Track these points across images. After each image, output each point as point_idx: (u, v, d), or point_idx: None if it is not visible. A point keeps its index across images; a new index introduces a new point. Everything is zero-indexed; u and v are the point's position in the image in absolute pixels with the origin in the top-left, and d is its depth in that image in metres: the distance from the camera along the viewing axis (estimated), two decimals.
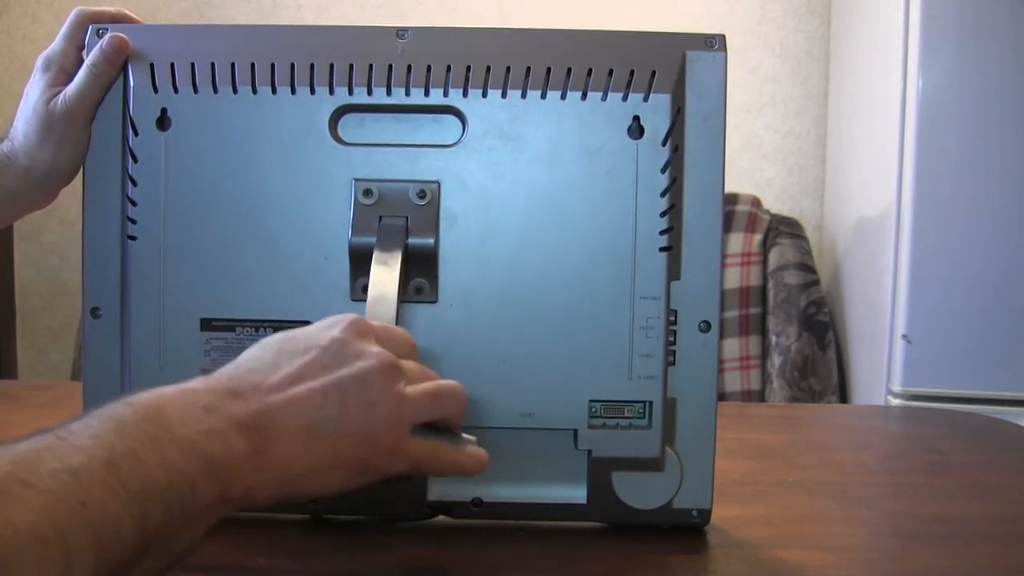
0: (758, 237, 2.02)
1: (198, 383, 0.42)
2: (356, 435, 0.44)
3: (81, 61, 0.62)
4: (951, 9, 1.59)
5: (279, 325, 0.61)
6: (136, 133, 0.61)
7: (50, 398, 1.06)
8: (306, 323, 0.61)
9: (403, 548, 0.60)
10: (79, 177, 0.64)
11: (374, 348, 0.46)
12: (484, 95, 0.61)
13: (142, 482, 0.36)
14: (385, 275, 0.57)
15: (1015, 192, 1.61)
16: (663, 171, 0.61)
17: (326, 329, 0.46)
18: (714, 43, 0.62)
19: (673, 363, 0.62)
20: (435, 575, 0.57)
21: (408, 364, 0.48)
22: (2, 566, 0.30)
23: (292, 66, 0.61)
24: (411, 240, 0.60)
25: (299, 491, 0.44)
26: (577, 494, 0.62)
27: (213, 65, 0.61)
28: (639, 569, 0.58)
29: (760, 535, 0.64)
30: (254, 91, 0.61)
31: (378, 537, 0.62)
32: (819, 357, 1.90)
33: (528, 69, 0.61)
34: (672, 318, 0.62)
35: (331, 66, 0.61)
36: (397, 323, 0.56)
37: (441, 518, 0.63)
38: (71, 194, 0.67)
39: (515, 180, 0.61)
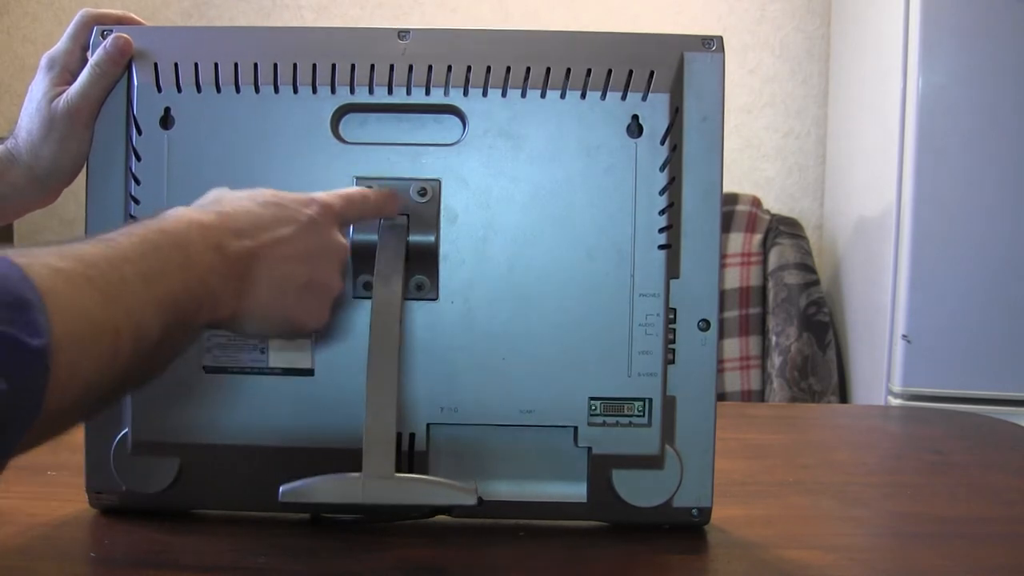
0: (758, 237, 2.02)
1: (215, 218, 0.50)
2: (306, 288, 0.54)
3: (85, 61, 0.62)
4: (951, 9, 1.59)
5: None
6: (140, 132, 0.61)
7: None
8: None
9: (403, 548, 0.60)
10: (80, 177, 0.64)
11: (336, 236, 0.55)
12: (484, 95, 0.61)
13: (168, 298, 0.45)
14: (387, 273, 0.57)
15: (1015, 192, 1.61)
16: (662, 169, 0.61)
17: (306, 206, 0.54)
18: (712, 44, 0.62)
19: (672, 361, 0.62)
20: (435, 575, 0.57)
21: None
22: (76, 341, 0.39)
23: (295, 66, 0.61)
24: (412, 237, 0.60)
25: (263, 326, 0.53)
26: (577, 491, 0.63)
27: (216, 65, 0.61)
28: (639, 569, 0.58)
29: (760, 535, 0.64)
30: (257, 90, 0.61)
31: (378, 537, 0.62)
32: (819, 357, 1.90)
33: (528, 69, 0.61)
34: (671, 316, 0.62)
35: (333, 66, 0.61)
36: (399, 321, 0.56)
37: (441, 518, 0.63)
38: (71, 194, 0.67)
39: (515, 178, 0.61)
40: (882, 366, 1.71)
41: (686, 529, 0.63)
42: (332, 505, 0.62)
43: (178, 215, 0.49)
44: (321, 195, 0.55)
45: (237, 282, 0.50)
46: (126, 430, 0.62)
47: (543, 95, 0.61)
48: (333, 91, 0.61)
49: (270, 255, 0.51)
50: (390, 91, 0.61)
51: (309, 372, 0.62)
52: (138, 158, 0.61)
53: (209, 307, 0.48)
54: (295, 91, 0.61)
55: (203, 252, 0.48)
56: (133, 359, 0.43)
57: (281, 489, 0.54)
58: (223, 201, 0.52)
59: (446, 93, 0.61)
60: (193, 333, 0.49)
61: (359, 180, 0.61)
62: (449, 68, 0.61)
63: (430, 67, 0.61)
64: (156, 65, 0.61)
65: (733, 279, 1.98)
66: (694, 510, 0.63)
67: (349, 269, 0.61)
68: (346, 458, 0.56)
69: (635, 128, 0.61)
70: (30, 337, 0.37)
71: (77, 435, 0.64)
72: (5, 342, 0.36)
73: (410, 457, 0.62)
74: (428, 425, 0.62)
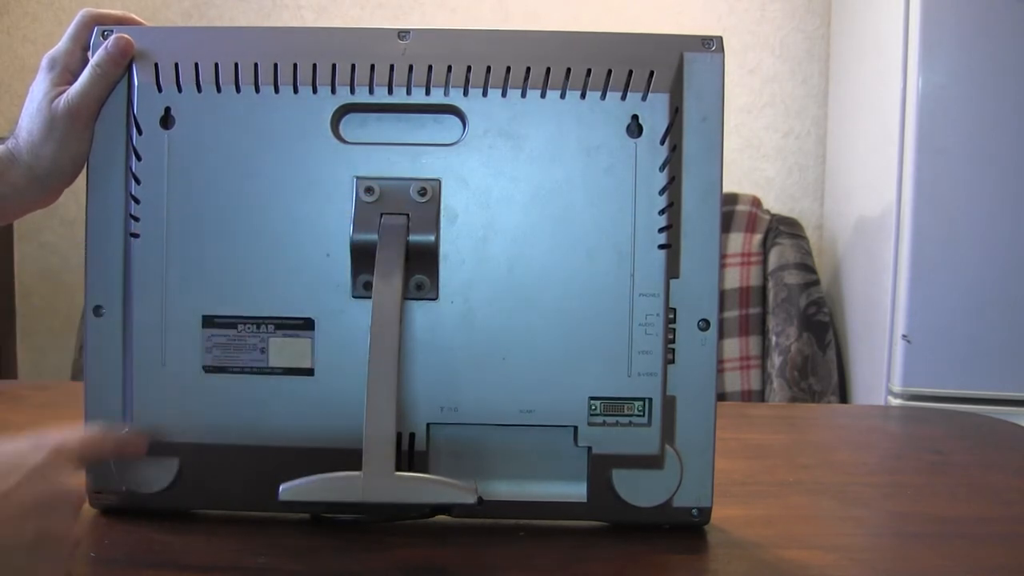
0: (758, 237, 2.02)
1: None
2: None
3: (86, 61, 0.62)
4: (951, 9, 1.59)
5: (281, 322, 0.62)
6: (140, 132, 0.61)
7: (50, 398, 1.06)
8: (307, 320, 0.61)
9: (403, 548, 0.60)
10: (80, 177, 0.64)
11: (63, 478, 0.48)
12: (484, 95, 0.61)
13: None
14: (387, 272, 0.57)
15: (1015, 192, 1.61)
16: (661, 169, 0.61)
17: (33, 451, 0.47)
18: (711, 44, 0.62)
19: (672, 361, 0.62)
20: (435, 575, 0.57)
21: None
22: None
23: (295, 66, 0.61)
24: (412, 237, 0.60)
25: None
26: (577, 491, 0.63)
27: (216, 65, 0.61)
28: (639, 569, 0.58)
29: (760, 535, 0.64)
30: (257, 90, 0.61)
31: (378, 537, 0.62)
32: (819, 357, 1.90)
33: (528, 69, 0.61)
34: (671, 316, 0.62)
35: (333, 66, 0.61)
36: (399, 321, 0.56)
37: (441, 518, 0.63)
38: (72, 194, 0.67)
39: (515, 178, 0.61)
40: (882, 366, 1.71)
41: (686, 529, 0.63)
42: (332, 505, 0.62)
43: None
44: (53, 434, 0.49)
45: None
46: (126, 430, 0.62)
47: (543, 95, 0.61)
48: (333, 91, 0.61)
49: None
50: (390, 91, 0.61)
51: (309, 372, 0.62)
52: (138, 158, 0.62)
53: None
54: (295, 91, 0.61)
55: None
56: None
57: (281, 488, 0.54)
58: None
59: (446, 93, 0.61)
60: None
61: (359, 180, 0.61)
62: (449, 68, 0.61)
63: (430, 67, 0.61)
64: (156, 65, 0.62)
65: (733, 279, 1.98)
66: (694, 510, 0.63)
67: (348, 267, 0.61)
68: (346, 458, 0.56)
69: (635, 128, 0.61)
70: None
71: None
72: None
73: (410, 457, 0.62)
74: (428, 425, 0.62)
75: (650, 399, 0.62)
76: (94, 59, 0.62)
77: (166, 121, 0.62)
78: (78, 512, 0.49)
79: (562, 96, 0.61)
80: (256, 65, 0.61)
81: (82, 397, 0.63)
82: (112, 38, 0.62)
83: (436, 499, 0.56)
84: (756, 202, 2.05)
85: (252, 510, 0.64)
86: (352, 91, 0.61)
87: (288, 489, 0.54)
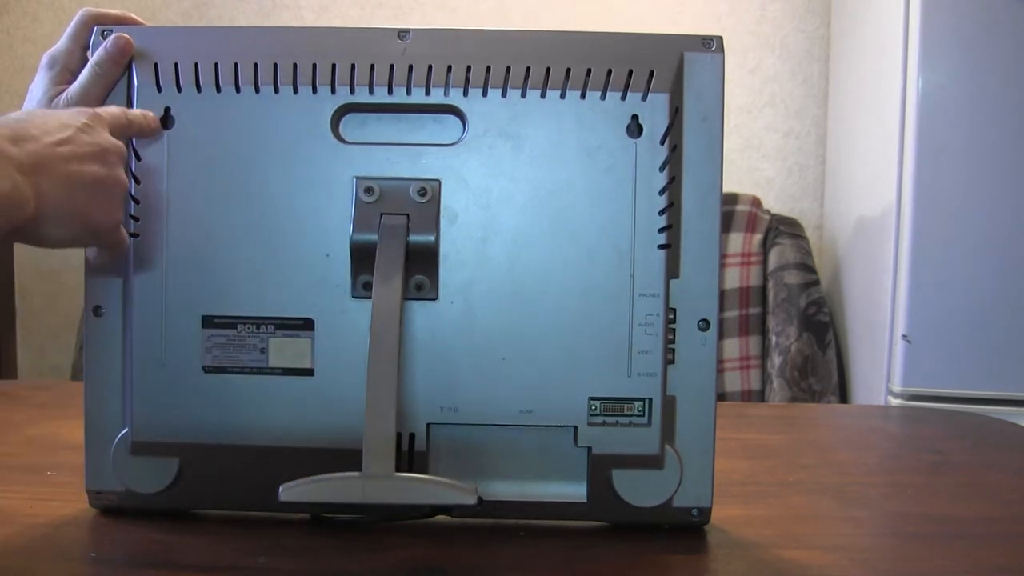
0: (758, 237, 2.02)
1: None
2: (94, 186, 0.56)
3: (85, 61, 0.62)
4: (951, 9, 1.59)
5: (280, 322, 0.62)
6: None
7: (50, 398, 1.06)
8: (307, 321, 0.61)
9: (403, 548, 0.60)
10: None
11: (106, 135, 0.58)
12: (484, 95, 0.61)
13: None
14: (387, 272, 0.57)
15: (1015, 192, 1.61)
16: (661, 169, 0.61)
17: (77, 115, 0.57)
18: (712, 44, 0.62)
19: (672, 361, 0.62)
20: (435, 575, 0.57)
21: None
22: None
23: (294, 66, 0.61)
24: (412, 237, 0.60)
25: (62, 229, 0.55)
26: (577, 491, 0.63)
27: (216, 65, 0.61)
28: (639, 569, 0.58)
29: (760, 535, 0.64)
30: (257, 91, 0.61)
31: (378, 537, 0.62)
32: (819, 357, 1.90)
33: (528, 69, 0.61)
34: (671, 316, 0.62)
35: (333, 66, 0.61)
36: (399, 321, 0.56)
37: (441, 518, 0.63)
38: None
39: (515, 178, 0.61)
40: (882, 366, 1.71)
41: (686, 529, 0.63)
42: (332, 505, 0.62)
43: None
44: (88, 108, 0.58)
45: (30, 184, 0.51)
46: (126, 430, 0.62)
47: (543, 95, 0.61)
48: (333, 91, 0.61)
49: (55, 155, 0.53)
50: (390, 91, 0.61)
51: (309, 372, 0.62)
52: (138, 158, 0.62)
53: (5, 211, 0.50)
54: (295, 91, 0.61)
55: None
56: None
57: (281, 489, 0.54)
58: (10, 116, 0.54)
59: (446, 93, 0.61)
60: None
61: (359, 180, 0.61)
62: (449, 68, 0.61)
63: (430, 67, 0.61)
64: (156, 65, 0.62)
65: (733, 279, 1.98)
66: (694, 510, 0.63)
67: (348, 268, 0.61)
68: (346, 458, 0.56)
69: (635, 128, 0.61)
70: None
71: (77, 435, 0.64)
72: None
73: (410, 457, 0.62)
74: (428, 425, 0.62)
75: (650, 399, 0.62)
76: (93, 58, 0.61)
77: (166, 121, 0.62)
78: (123, 163, 0.58)
79: (562, 96, 0.61)
80: (256, 65, 0.61)
81: (82, 397, 0.63)
82: (111, 37, 0.61)
83: (436, 500, 0.56)
84: (756, 202, 2.05)
85: (252, 510, 0.64)
86: (352, 91, 0.61)
87: (288, 490, 0.54)
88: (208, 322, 0.62)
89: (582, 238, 0.61)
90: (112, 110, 0.59)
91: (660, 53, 0.62)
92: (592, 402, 0.62)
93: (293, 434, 0.62)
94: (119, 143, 0.58)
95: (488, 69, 0.61)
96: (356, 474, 0.53)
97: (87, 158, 0.55)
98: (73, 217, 0.54)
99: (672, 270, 0.62)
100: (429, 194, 0.61)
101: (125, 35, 0.62)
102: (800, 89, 2.21)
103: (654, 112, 0.61)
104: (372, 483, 0.53)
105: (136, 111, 0.61)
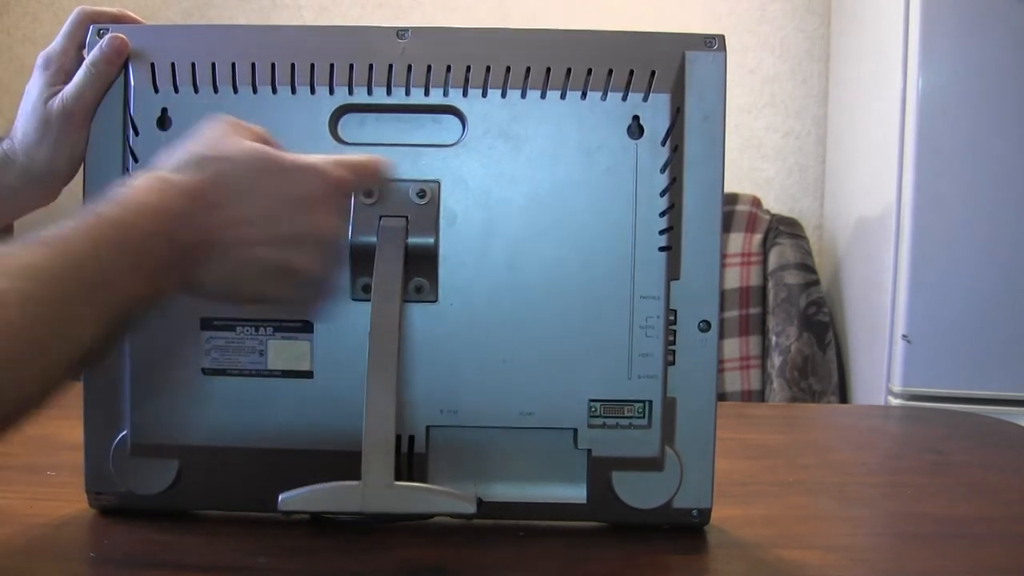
0: (758, 237, 2.02)
1: (177, 197, 0.48)
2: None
3: (81, 60, 0.62)
4: (951, 9, 1.59)
5: (279, 324, 0.61)
6: (137, 133, 0.61)
7: None
8: (306, 323, 0.61)
9: (403, 548, 0.60)
10: (79, 177, 0.64)
11: (331, 216, 0.54)
12: (484, 95, 0.61)
13: (110, 309, 0.44)
14: (386, 274, 0.57)
15: (1015, 192, 1.61)
16: (662, 171, 0.61)
17: (306, 181, 0.52)
18: (713, 43, 0.62)
19: (673, 363, 0.62)
20: (435, 575, 0.57)
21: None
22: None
23: (292, 66, 0.61)
24: (411, 239, 0.60)
25: (216, 293, 0.52)
26: (577, 493, 0.62)
27: (214, 65, 0.61)
28: (639, 569, 0.58)
29: (760, 535, 0.64)
30: (254, 91, 0.61)
31: (378, 537, 0.62)
32: (819, 357, 1.90)
33: (528, 69, 0.61)
34: (672, 317, 0.62)
35: (331, 66, 0.61)
36: (398, 324, 0.56)
37: (441, 518, 0.63)
38: (71, 195, 0.67)
39: (515, 179, 0.61)
40: (882, 366, 1.71)
41: (686, 529, 0.63)
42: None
43: (136, 199, 0.47)
44: (329, 167, 0.53)
45: (187, 268, 0.49)
46: (125, 432, 0.62)
47: (543, 95, 0.61)
48: (331, 91, 0.61)
49: (233, 238, 0.49)
50: (389, 91, 0.61)
51: (308, 374, 0.62)
52: (135, 159, 0.61)
53: (151, 302, 0.48)
54: (293, 91, 0.61)
55: (155, 244, 0.47)
56: (58, 370, 0.42)
57: (280, 498, 0.53)
58: (206, 162, 0.50)
59: (445, 93, 0.61)
60: (131, 326, 0.48)
61: None
62: (448, 68, 0.61)
63: (429, 67, 0.61)
64: (153, 65, 0.61)
65: (733, 279, 1.98)
66: (694, 511, 0.63)
67: (347, 268, 0.61)
68: (345, 460, 0.56)
69: (636, 129, 0.61)
70: None
71: (77, 435, 0.64)
72: None
73: (409, 459, 0.62)
74: (428, 427, 0.62)
75: (650, 401, 0.61)
76: (89, 58, 0.61)
77: (163, 122, 0.61)
78: (324, 248, 0.53)
79: (562, 96, 0.61)
80: (253, 65, 0.61)
81: (82, 397, 0.63)
82: (107, 37, 0.61)
83: (435, 509, 0.56)
84: (756, 202, 2.05)
85: (251, 511, 0.64)
86: (351, 91, 0.61)
87: (287, 498, 0.54)
88: (207, 324, 0.62)
89: (582, 240, 0.61)
90: (355, 163, 0.55)
91: (661, 52, 0.61)
92: (592, 404, 0.61)
93: (292, 436, 0.62)
94: (334, 224, 0.54)
95: (488, 69, 0.61)
96: (355, 483, 0.53)
97: (279, 243, 0.51)
98: (227, 293, 0.52)
99: (673, 272, 0.61)
100: (428, 195, 0.61)
101: (120, 35, 0.61)
102: (800, 89, 2.20)
103: (655, 112, 0.61)
104: (371, 492, 0.53)
105: (359, 160, 0.56)
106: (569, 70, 0.61)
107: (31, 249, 0.42)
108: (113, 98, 0.62)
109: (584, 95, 0.61)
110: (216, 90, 0.61)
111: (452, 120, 0.61)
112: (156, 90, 0.61)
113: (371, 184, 0.59)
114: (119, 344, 0.48)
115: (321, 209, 0.53)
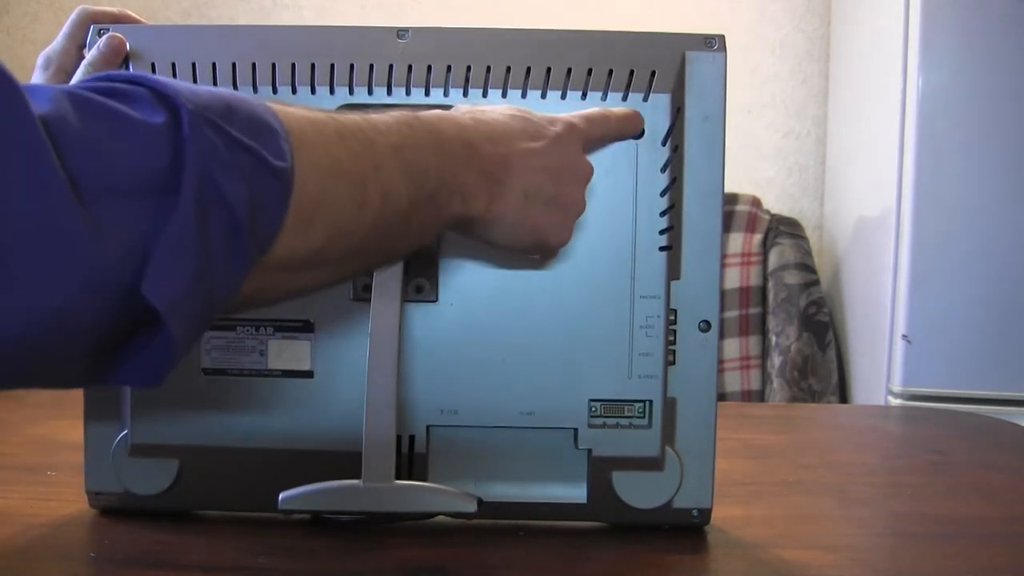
0: (758, 237, 2.02)
1: (469, 120, 0.51)
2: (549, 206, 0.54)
3: (81, 60, 0.62)
4: (951, 9, 1.59)
5: (279, 324, 0.61)
6: None
7: (50, 398, 1.06)
8: (306, 323, 0.61)
9: (403, 548, 0.60)
10: None
11: (582, 156, 0.56)
12: (484, 95, 0.61)
13: (419, 172, 0.46)
14: (386, 274, 0.57)
15: (1015, 192, 1.61)
16: (663, 171, 0.61)
17: (552, 123, 0.54)
18: (714, 43, 0.62)
19: (673, 362, 0.62)
20: (435, 575, 0.57)
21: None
22: (321, 178, 0.40)
23: (293, 66, 0.61)
24: None
25: (510, 234, 0.53)
26: (577, 493, 0.63)
27: (214, 65, 0.61)
28: (639, 569, 0.58)
29: (760, 535, 0.64)
30: (255, 91, 0.61)
31: (378, 537, 0.62)
32: (819, 357, 1.90)
33: (528, 69, 0.61)
34: (672, 317, 0.62)
35: (332, 66, 0.61)
36: (398, 324, 0.56)
37: (441, 518, 0.63)
38: None
39: None
40: (882, 366, 1.71)
41: (686, 529, 0.63)
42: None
43: (431, 111, 0.49)
44: (564, 115, 0.56)
45: (489, 183, 0.50)
46: (125, 432, 0.62)
47: (543, 95, 0.61)
48: (332, 91, 0.61)
49: (520, 164, 0.51)
50: (389, 91, 0.61)
51: (308, 374, 0.62)
52: None
53: (460, 199, 0.49)
54: (293, 91, 0.61)
55: (456, 145, 0.48)
56: (379, 220, 0.43)
57: (280, 497, 0.53)
58: (475, 110, 0.53)
59: (446, 93, 0.61)
60: (440, 223, 0.49)
61: None
62: (448, 68, 0.61)
63: (429, 67, 0.61)
64: (153, 65, 0.61)
65: (733, 279, 1.98)
66: (694, 511, 0.63)
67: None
68: (345, 460, 0.56)
69: None
70: (274, 158, 0.37)
71: (77, 435, 0.64)
72: (249, 154, 0.36)
73: (410, 459, 0.62)
74: (428, 427, 0.62)
75: (650, 401, 0.61)
76: (87, 58, 0.61)
77: None
78: (587, 184, 0.56)
79: (563, 96, 0.61)
80: (254, 65, 0.61)
81: (82, 397, 0.63)
82: (104, 37, 0.61)
83: (435, 508, 0.57)
84: (756, 202, 2.05)
85: (251, 511, 0.64)
86: (351, 91, 0.61)
87: (288, 498, 0.54)
88: None
89: (583, 240, 0.61)
90: (589, 114, 0.57)
91: (662, 52, 0.61)
92: (592, 404, 0.61)
93: (292, 436, 0.62)
94: (588, 163, 0.56)
95: (488, 69, 0.61)
96: (356, 482, 0.53)
97: (551, 174, 0.53)
98: (522, 227, 0.52)
99: (673, 272, 0.61)
100: None
101: (118, 35, 0.61)
102: (800, 89, 2.20)
103: (655, 112, 0.61)
104: (371, 490, 0.53)
105: (619, 111, 0.59)
106: (569, 70, 0.61)
107: (337, 112, 0.45)
108: None
109: (584, 95, 0.61)
110: None
111: None
112: None
113: (629, 136, 0.60)
114: (429, 237, 0.51)
115: (575, 148, 0.55)
